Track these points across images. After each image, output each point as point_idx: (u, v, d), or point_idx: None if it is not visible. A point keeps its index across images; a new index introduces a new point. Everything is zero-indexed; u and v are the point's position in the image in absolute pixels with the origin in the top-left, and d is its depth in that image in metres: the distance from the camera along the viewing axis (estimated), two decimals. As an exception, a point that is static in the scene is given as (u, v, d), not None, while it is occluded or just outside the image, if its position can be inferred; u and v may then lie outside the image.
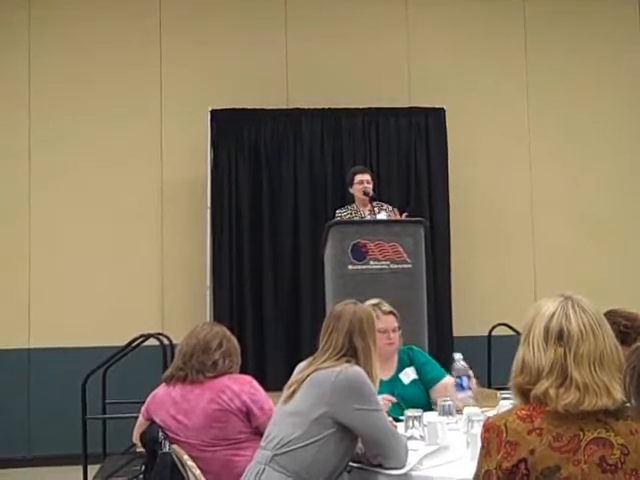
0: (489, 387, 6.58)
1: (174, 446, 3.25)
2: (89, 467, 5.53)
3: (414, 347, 4.20)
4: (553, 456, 1.90)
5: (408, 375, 3.83)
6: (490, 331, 7.07)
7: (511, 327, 6.49)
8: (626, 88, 8.13)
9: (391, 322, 3.95)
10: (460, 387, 3.66)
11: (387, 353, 3.93)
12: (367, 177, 6.31)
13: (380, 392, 3.60)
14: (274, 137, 7.35)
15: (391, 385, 3.86)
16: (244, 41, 7.65)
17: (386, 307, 3.98)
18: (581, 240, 7.82)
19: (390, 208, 6.27)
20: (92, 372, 5.80)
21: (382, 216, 6.05)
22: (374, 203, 6.14)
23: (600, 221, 7.90)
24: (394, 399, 3.70)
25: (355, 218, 6.18)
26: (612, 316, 3.17)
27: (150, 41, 7.59)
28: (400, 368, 3.97)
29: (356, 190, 6.28)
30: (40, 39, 7.46)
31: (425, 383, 3.99)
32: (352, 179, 6.34)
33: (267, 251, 7.19)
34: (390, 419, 2.99)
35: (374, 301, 3.96)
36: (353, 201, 6.34)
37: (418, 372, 3.96)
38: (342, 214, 6.24)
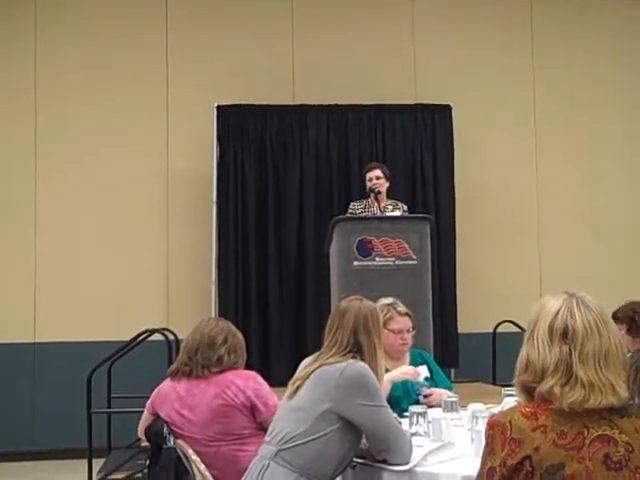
0: (493, 384, 6.59)
1: (179, 441, 3.26)
2: (94, 461, 5.53)
3: (424, 352, 4.29)
4: (557, 453, 1.90)
5: (422, 372, 3.85)
6: (495, 328, 7.06)
7: (516, 324, 6.48)
8: (633, 86, 8.10)
9: (406, 323, 3.99)
10: None
11: (399, 352, 3.99)
12: (376, 173, 6.32)
13: (394, 385, 3.66)
14: (280, 133, 7.34)
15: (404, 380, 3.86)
16: (251, 37, 7.64)
17: (401, 308, 4.01)
18: (587, 237, 7.81)
19: (405, 207, 6.29)
20: (97, 366, 5.80)
21: (394, 215, 6.07)
22: (390, 201, 6.17)
23: (606, 218, 7.89)
24: (420, 371, 3.78)
25: (367, 213, 6.20)
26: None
27: (157, 36, 7.58)
28: (414, 366, 3.98)
29: (368, 187, 6.31)
30: (46, 33, 7.46)
31: None
32: (365, 176, 6.38)
33: (272, 246, 7.19)
34: (395, 415, 2.99)
35: (388, 300, 3.99)
36: (369, 196, 6.36)
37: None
38: (355, 207, 6.29)
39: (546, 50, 8.01)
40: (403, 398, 3.79)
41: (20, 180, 7.35)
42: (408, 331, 3.98)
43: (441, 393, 3.80)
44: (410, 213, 6.62)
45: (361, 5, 7.79)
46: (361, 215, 6.20)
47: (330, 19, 7.77)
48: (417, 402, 3.68)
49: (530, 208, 7.88)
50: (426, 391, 3.83)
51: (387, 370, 3.53)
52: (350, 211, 6.32)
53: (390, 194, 6.37)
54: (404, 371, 3.75)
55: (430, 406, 3.55)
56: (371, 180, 6.29)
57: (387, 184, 6.31)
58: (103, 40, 7.51)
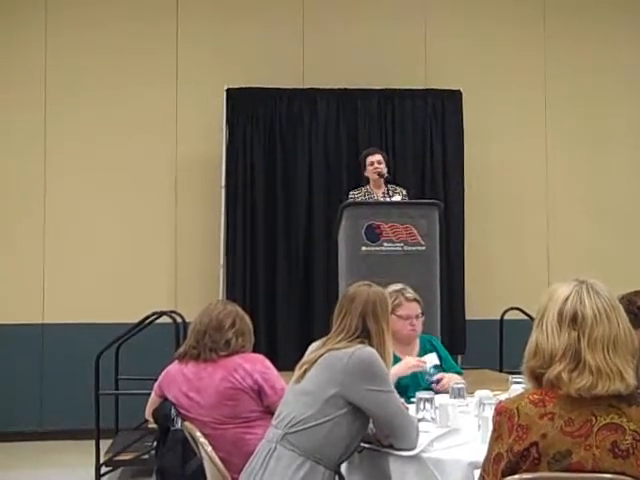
0: (500, 371, 6.59)
1: (186, 423, 3.27)
2: (101, 442, 5.56)
3: (434, 338, 4.29)
4: (565, 441, 1.90)
5: (431, 360, 3.83)
6: (502, 315, 7.05)
7: (524, 311, 6.47)
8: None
9: (414, 309, 3.95)
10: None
11: (408, 338, 3.96)
12: (378, 157, 6.27)
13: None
14: (289, 117, 7.32)
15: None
16: (261, 20, 7.60)
17: (410, 294, 3.98)
18: (596, 225, 7.78)
19: (404, 192, 6.25)
20: (105, 348, 5.82)
21: (396, 199, 6.03)
22: (388, 186, 6.12)
23: (616, 206, 7.84)
24: (428, 359, 3.77)
25: (369, 200, 6.16)
26: (635, 295, 3.16)
27: (167, 19, 7.55)
28: (423, 353, 3.97)
29: (369, 172, 6.26)
30: (56, 16, 7.43)
31: None
32: (364, 162, 6.32)
33: (281, 231, 7.18)
34: (402, 401, 2.99)
35: (398, 287, 3.97)
36: (368, 183, 6.32)
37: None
38: (355, 195, 6.24)
39: (558, 37, 7.95)
40: (411, 387, 3.77)
41: (29, 162, 7.34)
42: (417, 317, 3.94)
43: (451, 377, 3.80)
44: (419, 199, 6.60)
45: (372, -11, 7.75)
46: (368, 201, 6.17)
47: (341, 3, 7.73)
48: (429, 388, 3.68)
49: (539, 195, 7.85)
50: (436, 376, 3.83)
51: (396, 358, 3.51)
52: (350, 200, 6.25)
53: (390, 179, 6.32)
54: (410, 365, 3.71)
55: (442, 391, 3.57)
56: (372, 164, 6.23)
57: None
58: (113, 23, 7.48)
